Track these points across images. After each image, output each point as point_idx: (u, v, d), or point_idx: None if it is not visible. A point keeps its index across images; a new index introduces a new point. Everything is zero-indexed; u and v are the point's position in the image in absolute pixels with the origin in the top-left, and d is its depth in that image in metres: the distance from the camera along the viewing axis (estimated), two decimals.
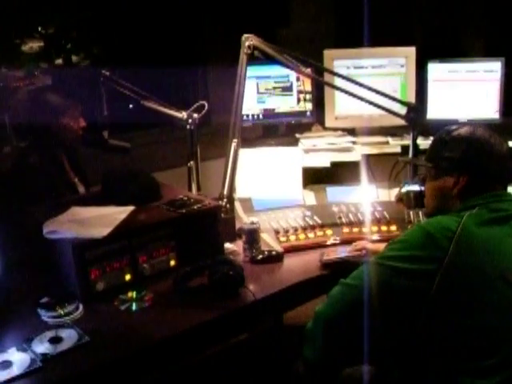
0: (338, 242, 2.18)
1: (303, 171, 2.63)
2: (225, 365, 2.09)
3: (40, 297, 1.76)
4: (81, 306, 1.72)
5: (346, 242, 2.16)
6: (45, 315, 1.69)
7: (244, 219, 2.28)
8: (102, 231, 1.81)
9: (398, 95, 2.91)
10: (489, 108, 2.97)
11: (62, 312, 1.68)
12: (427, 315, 1.43)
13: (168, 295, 1.81)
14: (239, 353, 2.09)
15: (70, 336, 1.57)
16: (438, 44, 3.90)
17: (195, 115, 2.39)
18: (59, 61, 3.63)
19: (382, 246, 1.94)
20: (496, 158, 1.58)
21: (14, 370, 1.43)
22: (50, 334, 1.58)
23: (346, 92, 2.34)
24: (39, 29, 3.51)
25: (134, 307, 1.75)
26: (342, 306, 1.52)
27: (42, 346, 1.53)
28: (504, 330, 1.41)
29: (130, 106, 3.35)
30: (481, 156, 1.58)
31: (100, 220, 1.91)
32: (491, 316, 1.41)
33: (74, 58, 3.74)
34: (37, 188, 2.24)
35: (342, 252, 2.05)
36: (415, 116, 2.35)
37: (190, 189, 2.44)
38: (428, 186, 1.73)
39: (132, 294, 1.80)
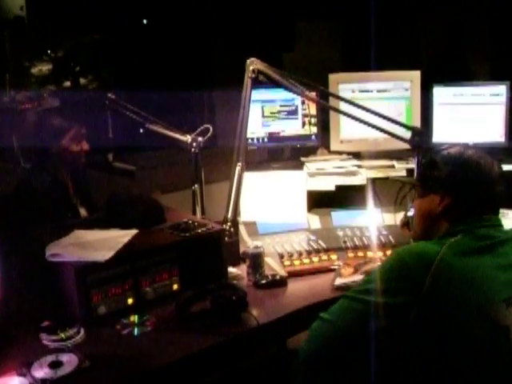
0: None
1: (308, 195, 2.63)
2: None
3: (41, 320, 1.75)
4: (82, 330, 1.70)
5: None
6: (45, 339, 1.67)
7: (248, 243, 2.27)
8: (105, 255, 1.80)
9: (403, 119, 2.91)
10: (494, 132, 2.96)
11: (63, 336, 1.66)
12: (405, 349, 1.41)
13: (170, 320, 1.79)
14: (242, 378, 2.07)
15: (70, 360, 1.55)
16: (443, 68, 3.92)
17: (200, 139, 2.40)
18: (67, 83, 3.66)
19: None
20: (483, 180, 1.54)
21: None
22: (50, 358, 1.56)
23: (351, 116, 2.35)
24: (48, 52, 3.56)
25: (136, 332, 1.73)
26: (321, 341, 1.49)
27: (41, 371, 1.51)
28: (484, 363, 1.37)
29: (141, 130, 3.31)
30: (467, 177, 1.55)
31: (103, 243, 1.90)
32: (469, 351, 1.37)
33: (82, 81, 3.78)
34: (38, 210, 2.24)
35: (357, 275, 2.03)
36: (419, 140, 2.34)
37: (194, 212, 2.44)
38: (415, 204, 1.72)
39: (134, 318, 1.79)
